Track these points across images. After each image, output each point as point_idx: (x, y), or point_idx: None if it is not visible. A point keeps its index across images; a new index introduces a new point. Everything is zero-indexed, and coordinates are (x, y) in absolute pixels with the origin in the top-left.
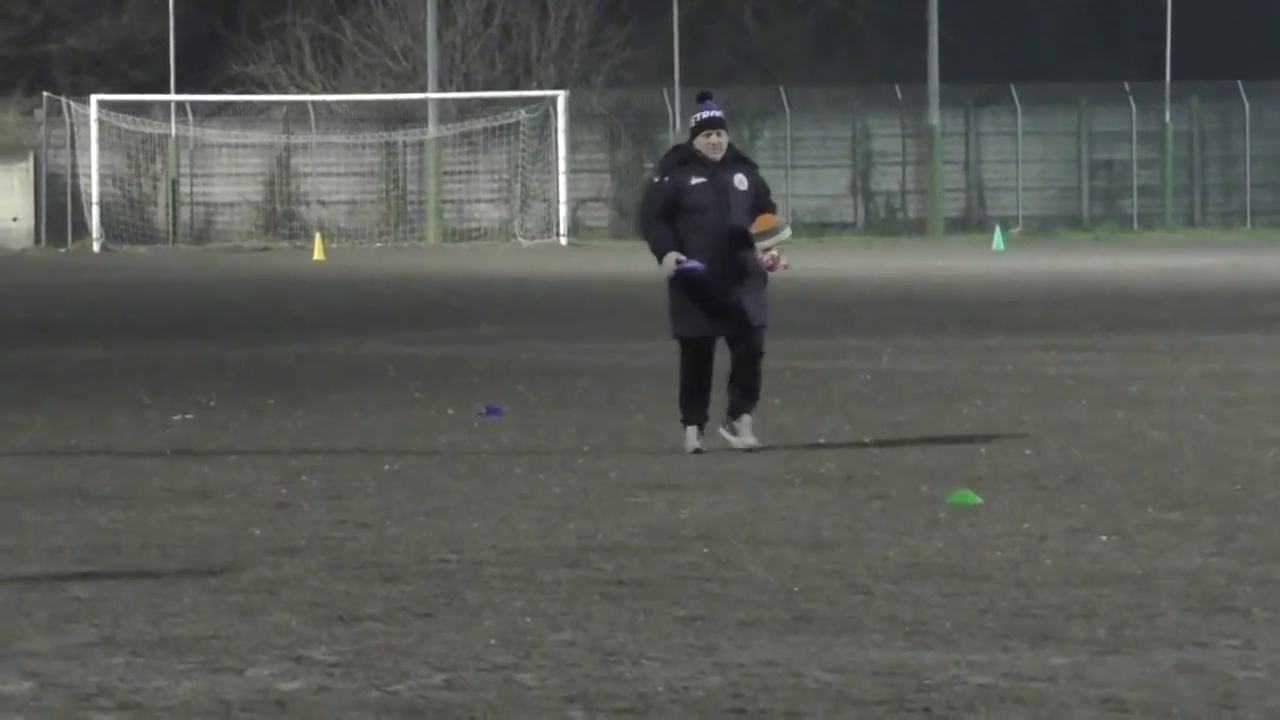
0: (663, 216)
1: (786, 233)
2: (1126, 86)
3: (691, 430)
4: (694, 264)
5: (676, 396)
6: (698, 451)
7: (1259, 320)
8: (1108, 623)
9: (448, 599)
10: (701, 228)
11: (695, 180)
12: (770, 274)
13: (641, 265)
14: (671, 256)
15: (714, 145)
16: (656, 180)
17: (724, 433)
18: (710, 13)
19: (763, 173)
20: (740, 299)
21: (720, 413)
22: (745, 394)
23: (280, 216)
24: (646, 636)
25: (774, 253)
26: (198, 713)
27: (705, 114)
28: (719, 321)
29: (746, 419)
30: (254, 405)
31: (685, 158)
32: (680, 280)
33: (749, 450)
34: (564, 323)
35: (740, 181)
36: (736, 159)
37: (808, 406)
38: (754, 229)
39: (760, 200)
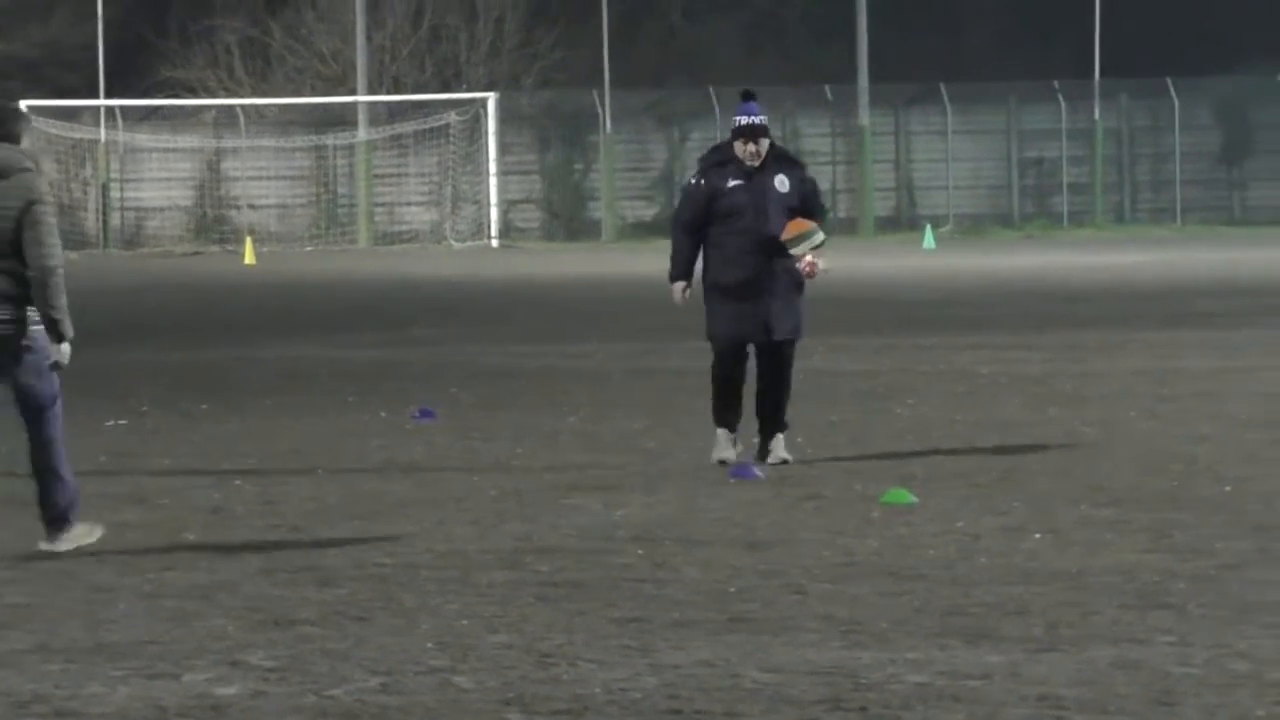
0: (692, 223)
1: (819, 237)
2: (1056, 84)
3: (722, 433)
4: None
5: (709, 404)
6: (723, 464)
7: (1190, 317)
8: (1043, 620)
9: (383, 602)
10: (737, 232)
11: (732, 183)
12: (808, 280)
13: (573, 267)
14: (679, 288)
15: (752, 154)
16: (693, 181)
17: (756, 469)
18: (640, 13)
19: (694, 173)
20: (770, 308)
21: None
22: (774, 414)
23: (211, 221)
24: (583, 638)
25: (809, 258)
26: (134, 719)
27: (743, 120)
28: (751, 329)
29: (780, 438)
30: (186, 410)
31: (724, 158)
32: (714, 284)
33: (782, 462)
34: (496, 325)
35: (781, 183)
36: (779, 159)
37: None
38: (785, 235)
39: (805, 202)
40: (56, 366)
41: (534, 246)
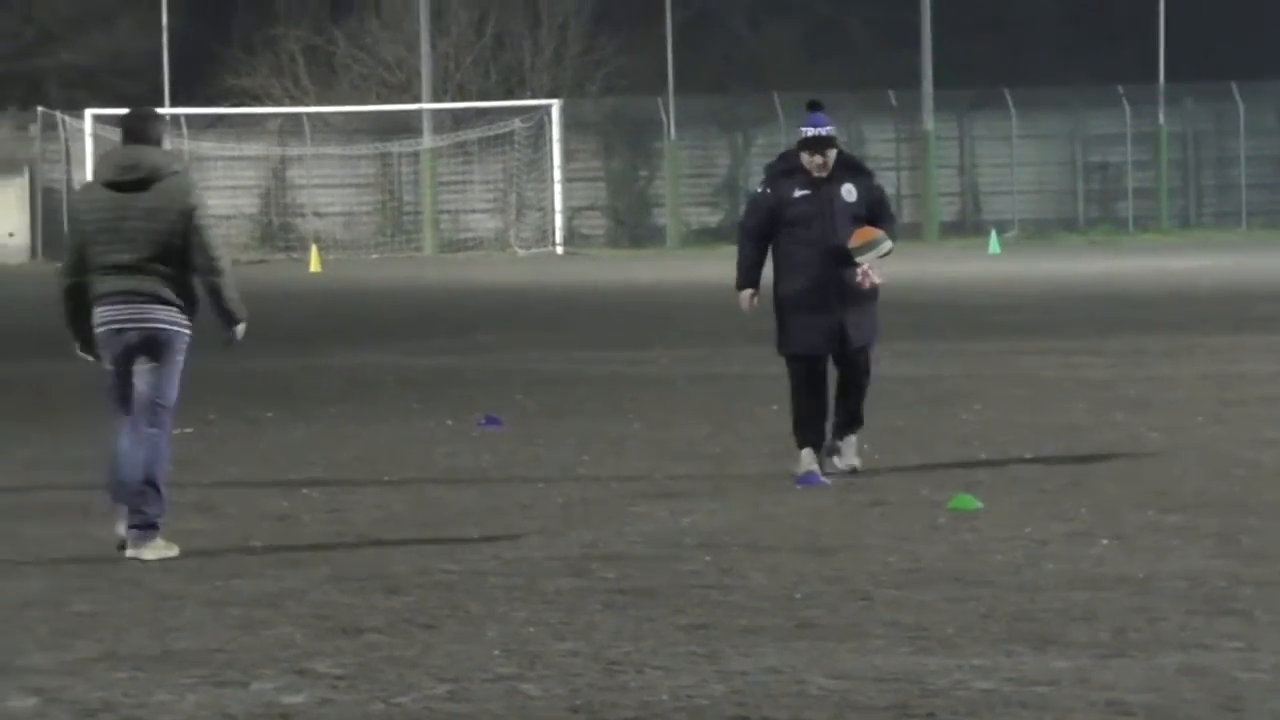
0: (758, 231)
1: (886, 245)
2: (1120, 89)
3: (806, 453)
4: None
5: (790, 420)
6: (809, 481)
7: (1256, 321)
8: (1110, 626)
9: (450, 610)
10: (804, 242)
11: (799, 192)
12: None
13: (638, 274)
14: (746, 295)
15: (819, 165)
16: (760, 190)
17: (828, 457)
18: (703, 20)
19: (759, 179)
20: (844, 317)
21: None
22: (850, 417)
23: (276, 229)
24: (649, 645)
25: (865, 268)
26: None
27: (809, 132)
28: (824, 339)
29: (850, 439)
30: (253, 418)
31: (791, 167)
32: (785, 296)
33: (851, 471)
34: (561, 332)
35: (848, 192)
36: (847, 166)
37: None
38: (852, 243)
39: (873, 211)
40: (231, 342)
41: (598, 253)
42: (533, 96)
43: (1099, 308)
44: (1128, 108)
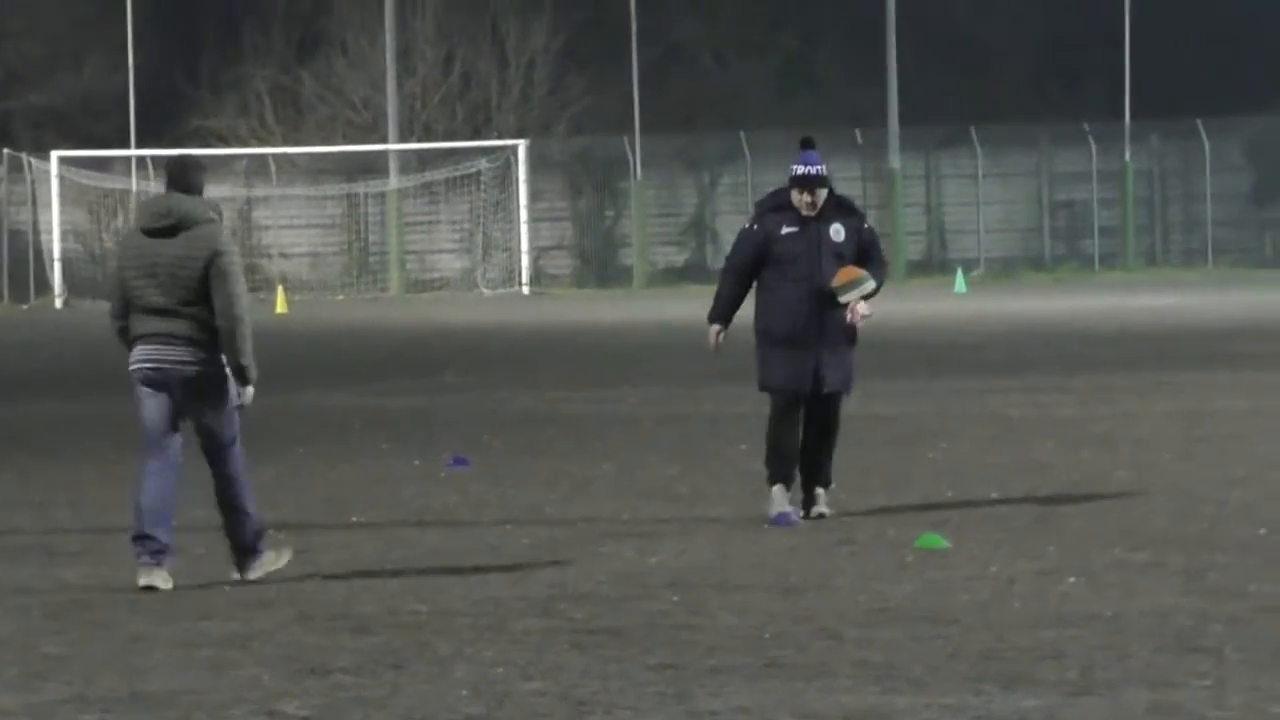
0: (741, 267)
1: (869, 285)
2: (1086, 126)
3: (778, 490)
4: None
5: (764, 456)
6: (782, 520)
7: (1223, 358)
8: (1078, 664)
9: (418, 650)
10: (789, 279)
11: (786, 229)
12: (857, 326)
13: (605, 314)
14: (713, 330)
15: (808, 205)
16: (748, 226)
17: (795, 514)
18: (670, 58)
19: (725, 218)
20: (819, 361)
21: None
22: (817, 472)
23: (243, 270)
24: (618, 685)
25: (852, 305)
26: None
27: (800, 170)
28: (800, 377)
29: (821, 492)
30: None
31: (781, 204)
32: (765, 332)
33: (819, 517)
34: (529, 372)
35: (836, 232)
36: (838, 207)
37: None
38: (835, 282)
39: (863, 253)
40: (240, 408)
41: (565, 293)
42: (499, 136)
43: (1066, 346)
44: (1094, 145)
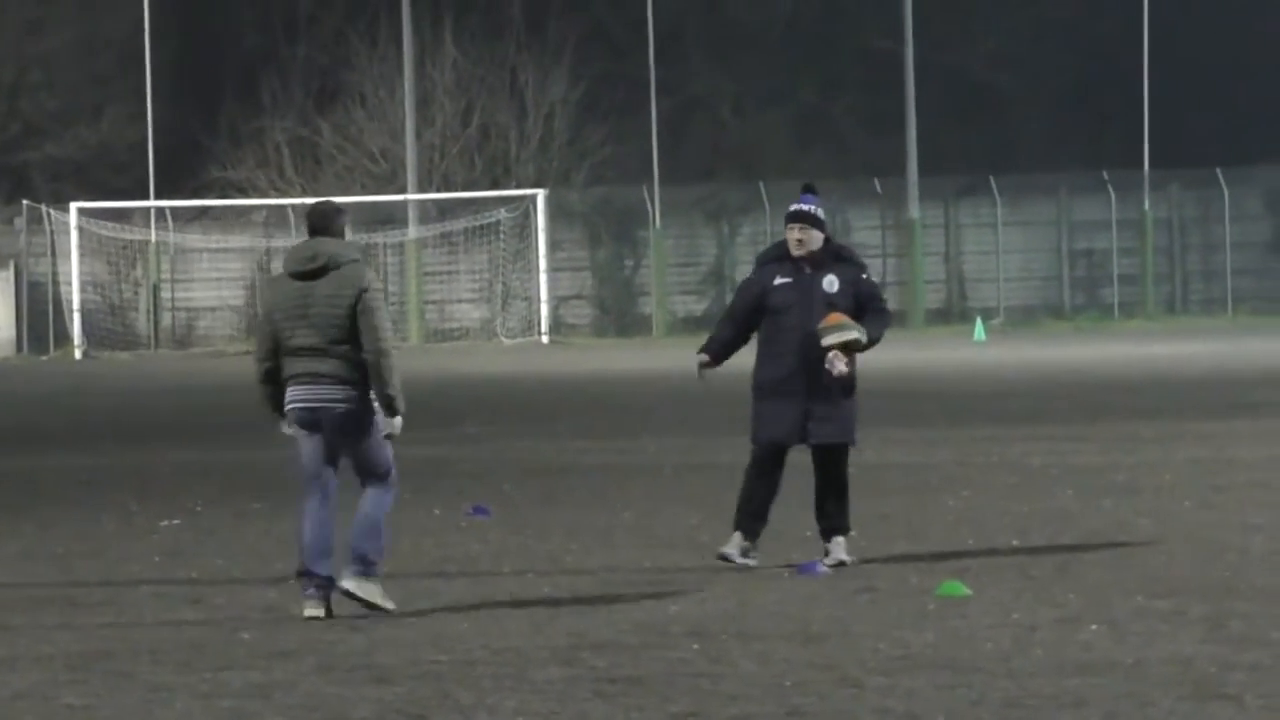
0: (734, 313)
1: (852, 333)
2: (1105, 175)
3: (736, 536)
4: None
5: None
6: (725, 559)
7: (1244, 407)
8: (1100, 712)
9: (440, 700)
10: (785, 329)
11: (780, 280)
12: (844, 375)
13: (624, 363)
14: (701, 357)
15: (797, 242)
16: (751, 275)
17: (821, 564)
18: (689, 109)
19: (744, 268)
20: (810, 410)
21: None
22: (831, 524)
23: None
24: None
25: (832, 355)
26: None
27: (792, 208)
28: (792, 431)
29: (838, 540)
30: (240, 509)
31: (781, 255)
32: (757, 384)
33: (839, 564)
34: (548, 421)
35: (830, 283)
36: (836, 258)
37: (793, 500)
38: (820, 325)
39: (862, 303)
40: (390, 438)
41: (585, 342)
42: (518, 186)
43: (1086, 394)
44: (1113, 194)
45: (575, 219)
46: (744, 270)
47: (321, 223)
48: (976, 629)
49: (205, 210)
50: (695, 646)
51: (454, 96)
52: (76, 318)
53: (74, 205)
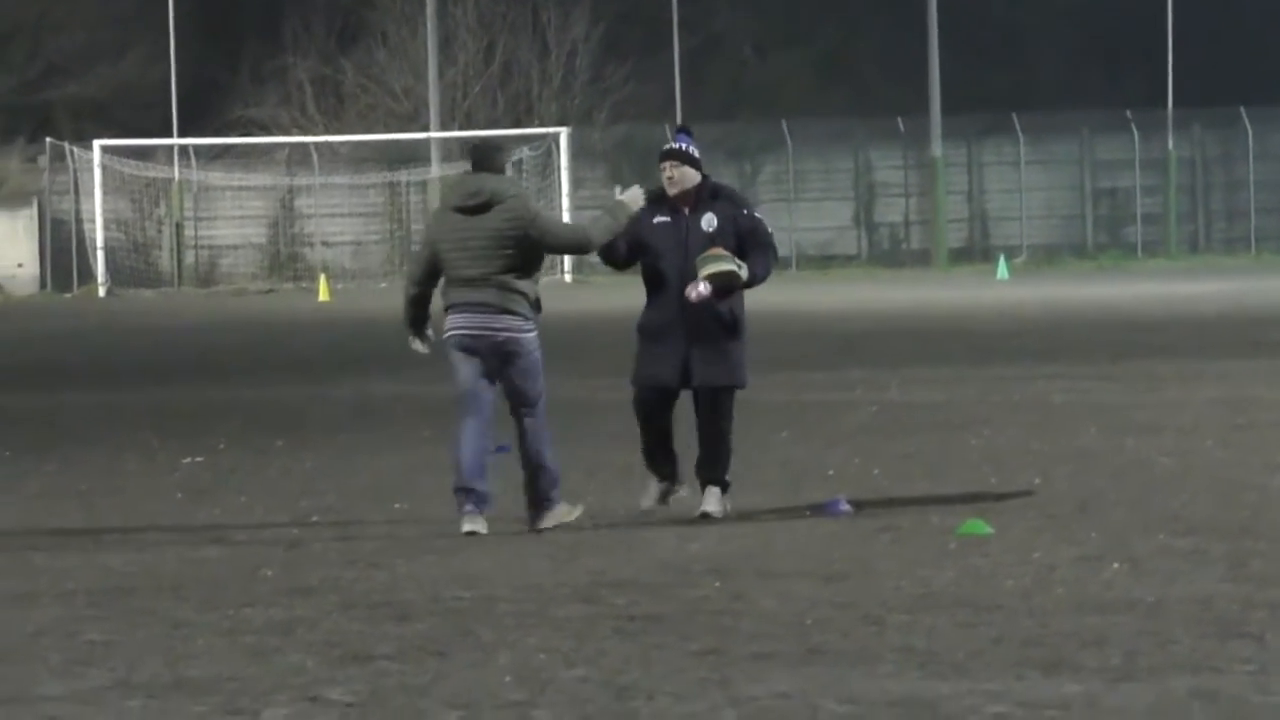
0: (613, 249)
1: (727, 266)
2: (1129, 114)
3: (651, 483)
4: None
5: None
6: (647, 512)
7: (1266, 346)
8: (1121, 650)
9: (461, 637)
10: (661, 271)
11: (658, 219)
12: (734, 317)
13: (643, 301)
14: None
15: (669, 180)
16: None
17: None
18: (711, 48)
19: (767, 206)
20: (690, 353)
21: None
22: (706, 462)
23: (285, 258)
24: (660, 671)
25: (699, 281)
26: None
27: (665, 147)
28: (674, 373)
29: (712, 490)
30: (263, 447)
31: (661, 195)
32: (641, 325)
33: (705, 517)
34: (570, 359)
35: (709, 222)
36: (714, 197)
37: (816, 439)
38: (700, 255)
39: (742, 240)
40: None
41: (606, 281)
42: (540, 125)
43: (1108, 333)
44: (1136, 133)
45: (598, 158)
46: (767, 209)
47: (483, 159)
48: (998, 567)
49: (228, 148)
50: (716, 584)
51: (476, 35)
52: (100, 255)
53: (97, 143)
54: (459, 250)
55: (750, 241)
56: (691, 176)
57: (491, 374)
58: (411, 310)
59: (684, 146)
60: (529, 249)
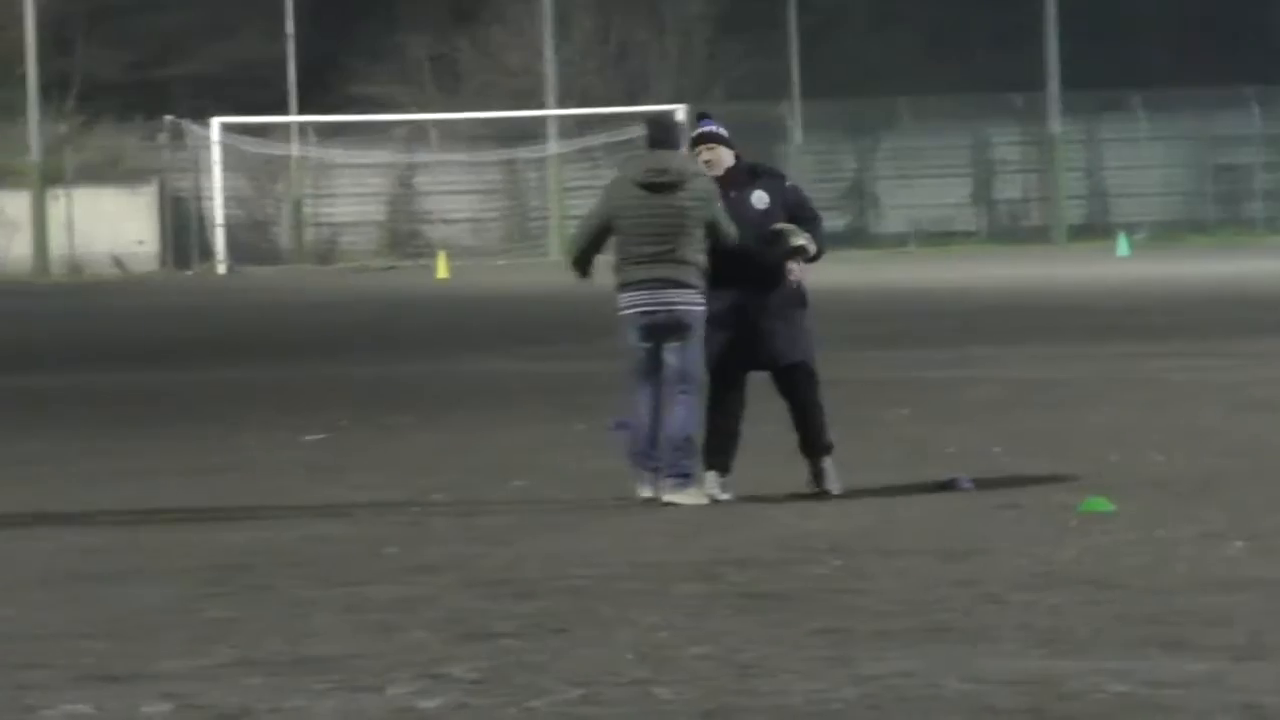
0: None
1: (800, 240)
2: (1249, 90)
3: (710, 475)
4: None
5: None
6: (714, 501)
7: None
8: (1245, 628)
9: (582, 614)
10: (718, 253)
11: None
12: (801, 288)
13: None
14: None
15: (708, 165)
16: None
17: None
18: (827, 24)
19: (885, 183)
20: (770, 329)
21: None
22: (805, 442)
23: (404, 235)
24: (781, 649)
25: (793, 265)
26: None
27: (694, 132)
28: (744, 355)
29: (825, 462)
30: (384, 424)
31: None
32: (712, 310)
33: (823, 494)
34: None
35: (759, 199)
36: (754, 174)
37: (936, 416)
38: (774, 227)
39: (795, 214)
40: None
41: None
42: (656, 102)
43: (1228, 309)
44: (1257, 109)
45: None
46: (885, 186)
47: (664, 135)
48: (1119, 545)
49: (346, 125)
50: (837, 562)
51: (593, 12)
52: (220, 233)
53: (216, 120)
54: (639, 226)
55: (802, 213)
56: (727, 157)
57: (663, 346)
58: (578, 271)
59: (714, 129)
60: (704, 229)
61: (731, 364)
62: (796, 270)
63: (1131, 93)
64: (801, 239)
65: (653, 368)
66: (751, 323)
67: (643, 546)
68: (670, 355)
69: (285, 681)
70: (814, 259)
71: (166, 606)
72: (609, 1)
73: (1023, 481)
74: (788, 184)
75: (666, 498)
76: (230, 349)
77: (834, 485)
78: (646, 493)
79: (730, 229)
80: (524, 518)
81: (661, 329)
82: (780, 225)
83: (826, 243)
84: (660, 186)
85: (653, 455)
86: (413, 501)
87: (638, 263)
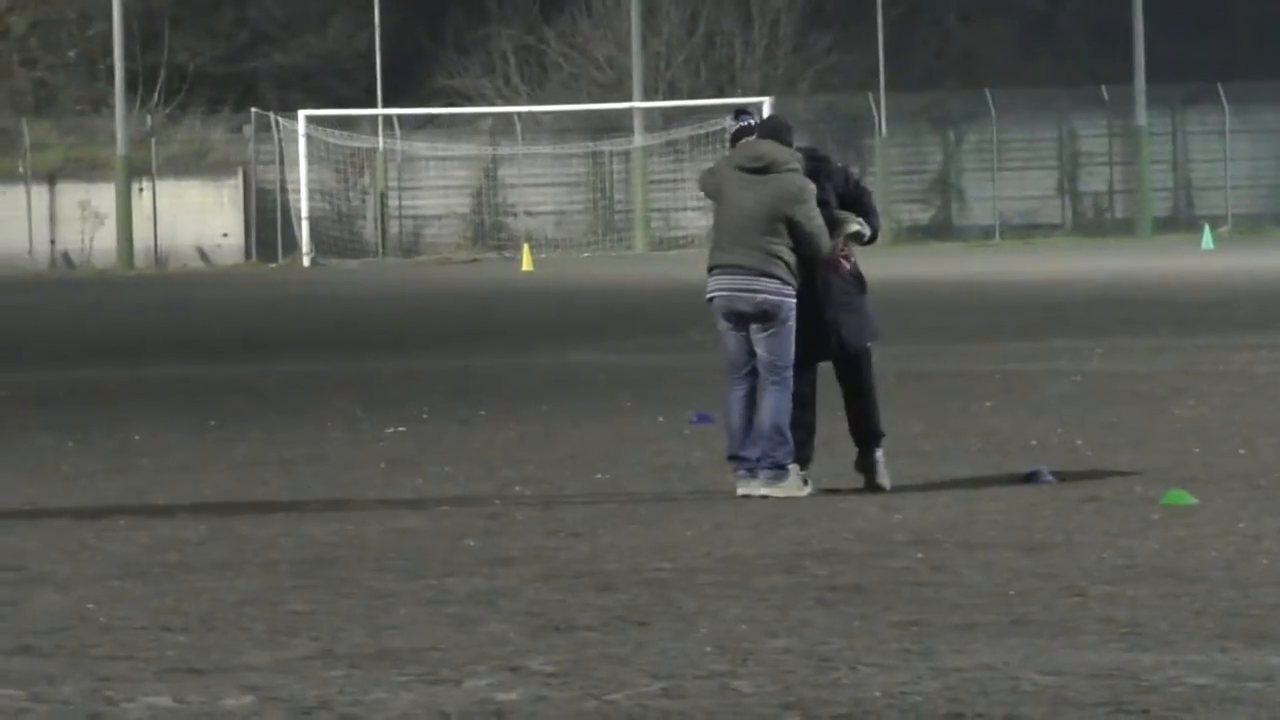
0: None
1: (853, 226)
2: None
3: (793, 469)
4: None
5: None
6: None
7: None
8: None
9: (663, 607)
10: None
11: None
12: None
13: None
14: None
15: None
16: None
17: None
18: (914, 16)
19: (970, 175)
20: (835, 318)
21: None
22: (859, 428)
23: (488, 228)
24: (862, 642)
25: (840, 249)
26: None
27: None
28: (815, 345)
29: (878, 454)
30: (465, 417)
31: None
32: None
33: (876, 489)
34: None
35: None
36: (815, 164)
37: (1019, 409)
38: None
39: (847, 201)
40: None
41: None
42: (743, 94)
43: None
44: None
45: (800, 127)
46: (970, 178)
47: (773, 128)
48: (1201, 538)
49: (432, 118)
50: (918, 555)
51: (680, 4)
52: (305, 225)
53: (302, 113)
54: (732, 206)
55: (855, 197)
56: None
57: (750, 336)
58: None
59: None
60: (790, 220)
61: (801, 356)
62: (848, 254)
63: (1217, 86)
64: (854, 225)
65: (744, 363)
66: (818, 314)
67: (723, 539)
68: (759, 346)
69: (366, 674)
70: (869, 241)
71: (249, 599)
72: None
73: (1104, 475)
74: (850, 174)
75: (760, 491)
76: (314, 342)
77: (884, 479)
78: (743, 490)
79: (816, 230)
80: (605, 510)
81: (746, 319)
82: (835, 212)
83: (881, 220)
84: (754, 169)
85: (743, 458)
86: (494, 494)
87: (723, 248)
